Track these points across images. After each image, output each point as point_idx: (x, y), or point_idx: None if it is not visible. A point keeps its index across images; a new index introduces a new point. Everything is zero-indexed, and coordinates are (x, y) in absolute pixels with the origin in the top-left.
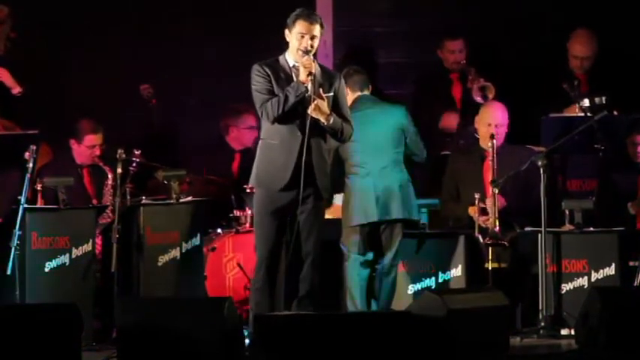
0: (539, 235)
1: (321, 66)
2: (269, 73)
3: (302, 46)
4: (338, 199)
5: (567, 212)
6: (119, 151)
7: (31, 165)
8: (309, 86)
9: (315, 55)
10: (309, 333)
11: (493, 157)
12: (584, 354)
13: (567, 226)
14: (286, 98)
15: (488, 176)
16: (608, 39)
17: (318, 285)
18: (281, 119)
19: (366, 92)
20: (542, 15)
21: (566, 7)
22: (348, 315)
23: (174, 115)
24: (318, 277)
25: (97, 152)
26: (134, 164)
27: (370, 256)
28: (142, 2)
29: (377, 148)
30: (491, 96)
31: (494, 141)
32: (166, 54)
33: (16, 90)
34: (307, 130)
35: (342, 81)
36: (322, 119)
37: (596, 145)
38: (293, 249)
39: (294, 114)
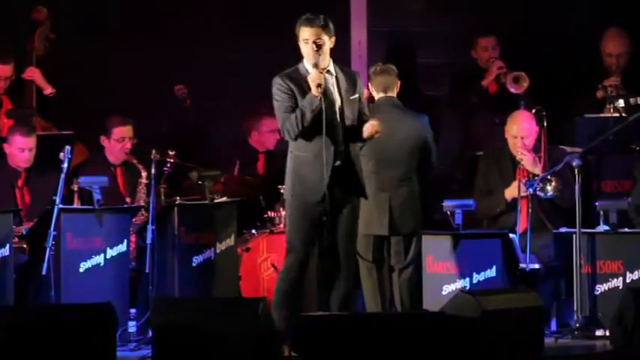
0: (574, 235)
1: (341, 68)
2: (292, 87)
3: (308, 54)
4: None
5: (602, 213)
6: (153, 151)
7: (65, 165)
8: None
9: (331, 57)
10: (344, 333)
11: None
12: (619, 355)
13: (602, 227)
14: (303, 115)
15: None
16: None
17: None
18: (304, 135)
19: (390, 94)
20: (576, 14)
21: (600, 5)
22: (382, 315)
23: (209, 115)
24: (352, 277)
25: (128, 145)
26: (168, 165)
27: (381, 260)
28: (178, 4)
29: (389, 159)
30: (525, 84)
31: (523, 160)
32: (202, 55)
33: (48, 91)
34: (341, 138)
35: (360, 79)
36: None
37: (632, 146)
38: (327, 250)
39: (318, 128)
